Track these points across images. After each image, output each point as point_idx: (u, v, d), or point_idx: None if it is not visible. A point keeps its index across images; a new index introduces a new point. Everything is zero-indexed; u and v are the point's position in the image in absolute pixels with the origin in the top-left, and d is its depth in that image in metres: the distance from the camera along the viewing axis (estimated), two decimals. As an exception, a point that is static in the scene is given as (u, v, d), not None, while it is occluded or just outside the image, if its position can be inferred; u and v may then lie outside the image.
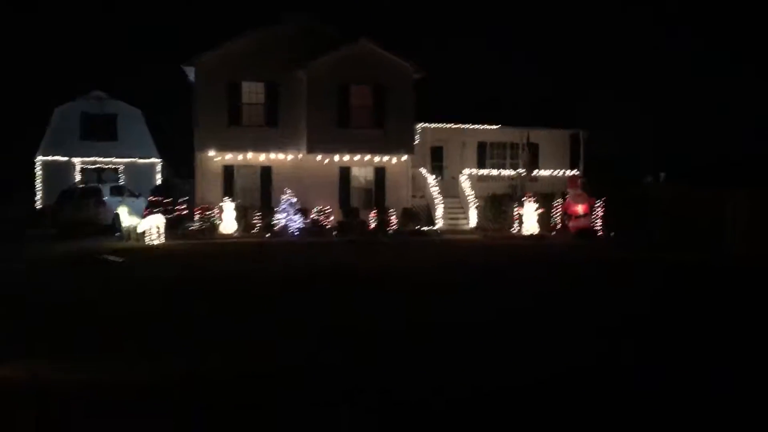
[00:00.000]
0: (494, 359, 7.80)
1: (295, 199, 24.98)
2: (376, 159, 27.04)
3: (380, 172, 27.27)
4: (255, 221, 25.21)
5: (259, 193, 26.46)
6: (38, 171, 34.54)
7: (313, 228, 25.05)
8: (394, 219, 25.71)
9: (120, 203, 24.26)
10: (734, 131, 39.95)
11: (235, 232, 24.39)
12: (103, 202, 25.30)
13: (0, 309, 10.88)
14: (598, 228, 24.60)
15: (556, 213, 25.82)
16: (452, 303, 11.53)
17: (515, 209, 25.88)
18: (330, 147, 26.26)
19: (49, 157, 34.46)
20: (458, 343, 8.59)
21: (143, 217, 22.49)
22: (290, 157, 26.53)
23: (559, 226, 25.48)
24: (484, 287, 13.31)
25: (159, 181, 33.43)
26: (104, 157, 34.83)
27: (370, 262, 17.12)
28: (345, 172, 27.04)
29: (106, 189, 26.38)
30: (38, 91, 39.86)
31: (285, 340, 8.80)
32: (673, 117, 40.32)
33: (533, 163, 29.37)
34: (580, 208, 24.74)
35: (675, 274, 15.15)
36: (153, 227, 21.40)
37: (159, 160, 35.90)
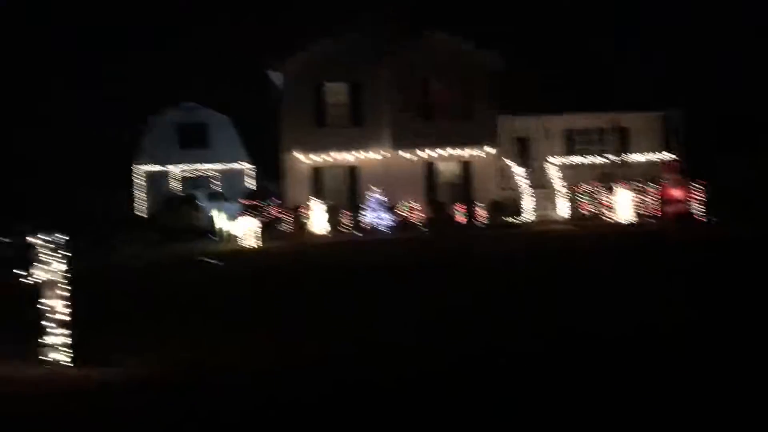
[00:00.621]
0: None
1: (382, 197, 25.17)
2: (461, 152, 26.89)
3: (466, 165, 27.11)
4: (344, 220, 25.56)
5: (347, 192, 26.82)
6: (137, 180, 36.31)
7: (402, 225, 25.19)
8: (482, 212, 25.50)
9: (215, 208, 25.16)
10: None
11: (326, 231, 24.80)
12: (200, 208, 26.29)
13: (132, 302, 11.79)
14: (699, 212, 23.53)
15: (652, 198, 24.87)
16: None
17: (607, 196, 25.12)
18: (415, 143, 26.32)
19: (147, 167, 36.16)
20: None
21: (237, 220, 23.22)
22: (376, 155, 26.74)
23: (657, 212, 24.54)
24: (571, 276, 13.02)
25: (251, 185, 34.46)
26: (198, 164, 36.26)
27: (460, 254, 17.08)
28: (431, 166, 27.03)
29: (201, 195, 27.41)
30: (133, 102, 41.76)
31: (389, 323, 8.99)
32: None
33: (624, 148, 28.42)
34: (677, 193, 23.77)
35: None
36: (247, 230, 22.04)
37: (249, 164, 37.04)
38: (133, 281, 14.84)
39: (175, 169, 36.34)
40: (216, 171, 36.65)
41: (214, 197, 28.09)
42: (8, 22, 41.72)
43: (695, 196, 23.78)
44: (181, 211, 26.20)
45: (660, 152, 28.32)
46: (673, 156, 26.98)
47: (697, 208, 23.65)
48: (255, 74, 29.94)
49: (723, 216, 22.52)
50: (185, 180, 36.27)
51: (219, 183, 35.93)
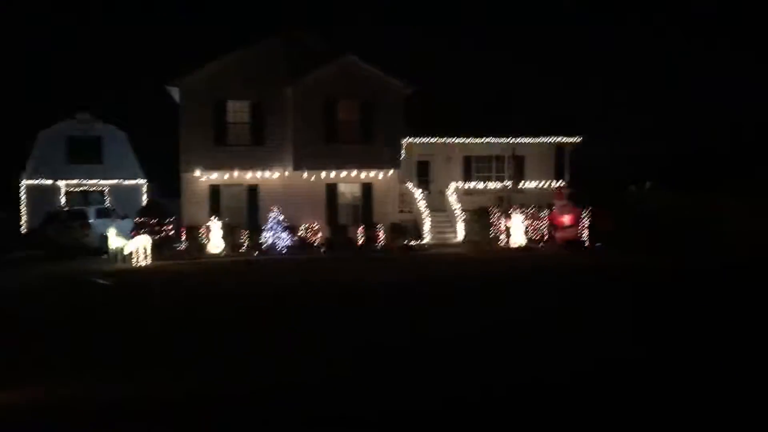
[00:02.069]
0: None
1: (282, 217, 24.96)
2: (363, 175, 27.07)
3: (367, 187, 27.30)
4: (242, 240, 25.14)
5: (246, 212, 26.40)
6: (23, 195, 34.35)
7: (301, 245, 25.05)
8: (381, 234, 25.74)
9: (107, 225, 24.12)
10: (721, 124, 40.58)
11: (223, 251, 24.30)
12: (89, 225, 25.15)
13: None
14: (585, 238, 24.72)
15: (543, 224, 25.93)
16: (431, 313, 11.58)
17: (502, 221, 25.97)
18: (316, 163, 26.29)
19: (34, 181, 34.29)
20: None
21: (130, 238, 22.38)
22: (277, 174, 26.52)
23: (546, 238, 25.58)
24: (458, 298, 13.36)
25: (145, 202, 33.28)
26: (90, 179, 34.68)
27: (354, 277, 17.13)
28: (332, 188, 27.04)
29: (92, 211, 26.24)
30: (22, 114, 39.76)
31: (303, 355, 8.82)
32: (660, 116, 40.76)
33: (519, 176, 29.50)
34: (566, 219, 24.89)
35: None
36: (140, 248, 21.30)
37: (145, 180, 35.81)
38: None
39: (66, 184, 34.62)
40: (110, 186, 35.19)
41: (105, 213, 26.90)
42: None
43: (583, 222, 24.99)
44: (67, 227, 24.92)
45: (553, 180, 29.57)
46: (563, 183, 28.20)
47: (584, 234, 24.86)
48: (155, 89, 29.13)
49: (607, 242, 23.81)
50: (76, 195, 34.60)
51: (112, 199, 34.52)
